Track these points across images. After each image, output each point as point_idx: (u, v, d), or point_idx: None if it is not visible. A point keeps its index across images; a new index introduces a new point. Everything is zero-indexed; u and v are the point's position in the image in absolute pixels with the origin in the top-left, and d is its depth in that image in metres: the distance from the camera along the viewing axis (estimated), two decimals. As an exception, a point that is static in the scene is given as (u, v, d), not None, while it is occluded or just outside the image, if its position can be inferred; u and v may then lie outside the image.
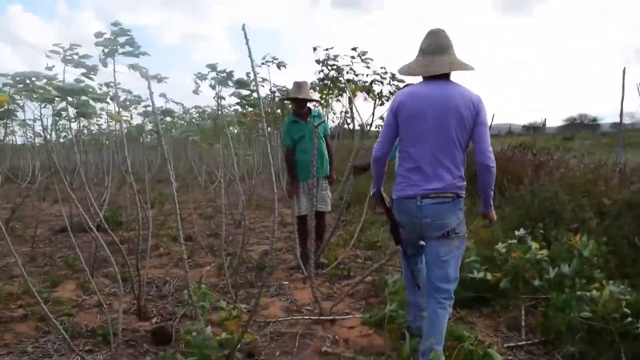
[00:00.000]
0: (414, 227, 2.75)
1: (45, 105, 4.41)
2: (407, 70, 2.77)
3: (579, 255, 3.61)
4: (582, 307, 3.00)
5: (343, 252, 5.12)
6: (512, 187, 6.46)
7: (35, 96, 3.93)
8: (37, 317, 3.73)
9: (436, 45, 2.67)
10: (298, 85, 4.99)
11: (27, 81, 3.81)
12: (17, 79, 3.64)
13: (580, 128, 42.15)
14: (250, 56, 3.02)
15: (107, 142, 13.62)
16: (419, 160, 2.65)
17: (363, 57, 5.97)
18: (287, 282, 4.56)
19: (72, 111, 4.28)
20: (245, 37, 2.95)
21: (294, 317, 3.59)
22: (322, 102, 7.65)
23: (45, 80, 3.78)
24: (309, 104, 5.09)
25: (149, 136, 10.12)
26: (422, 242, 2.84)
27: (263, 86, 7.05)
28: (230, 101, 7.73)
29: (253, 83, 4.50)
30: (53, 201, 9.26)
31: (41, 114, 4.77)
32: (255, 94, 4.14)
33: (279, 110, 8.63)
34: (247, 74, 4.81)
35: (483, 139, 2.63)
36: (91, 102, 3.98)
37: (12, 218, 6.99)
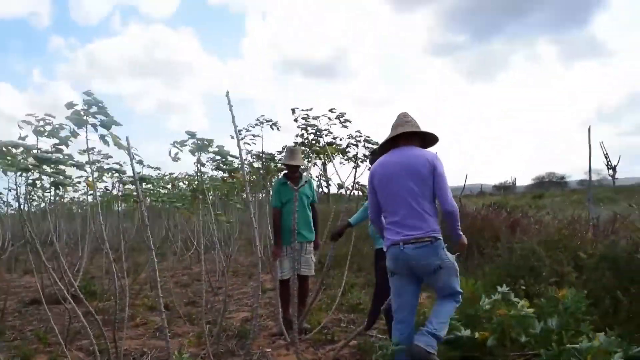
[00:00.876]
0: (402, 270, 3.18)
1: (21, 174, 4.35)
2: (382, 144, 3.46)
3: (563, 309, 3.61)
4: (571, 361, 2.97)
5: (326, 317, 5.04)
6: (489, 245, 6.54)
7: (11, 167, 3.90)
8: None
9: (403, 120, 3.35)
10: (291, 152, 5.08)
11: (4, 149, 3.80)
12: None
13: (549, 186, 43.17)
14: (233, 121, 3.11)
15: (79, 210, 13.45)
16: (397, 215, 3.16)
17: (342, 119, 6.08)
18: (269, 350, 4.42)
19: (47, 180, 4.25)
20: (229, 102, 3.03)
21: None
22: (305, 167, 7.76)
23: (21, 149, 3.77)
24: (301, 170, 5.20)
25: (123, 204, 10.03)
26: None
27: (252, 146, 7.02)
28: (207, 169, 7.70)
29: (230, 152, 4.56)
30: (23, 272, 8.97)
31: (16, 183, 4.68)
32: (237, 160, 4.17)
33: (254, 177, 8.64)
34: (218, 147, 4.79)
35: (443, 189, 3.14)
36: (68, 170, 3.97)
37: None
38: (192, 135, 4.39)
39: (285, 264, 4.93)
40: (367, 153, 7.17)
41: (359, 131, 6.94)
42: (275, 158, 7.14)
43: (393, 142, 3.35)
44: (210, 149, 4.44)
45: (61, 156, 3.86)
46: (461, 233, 3.32)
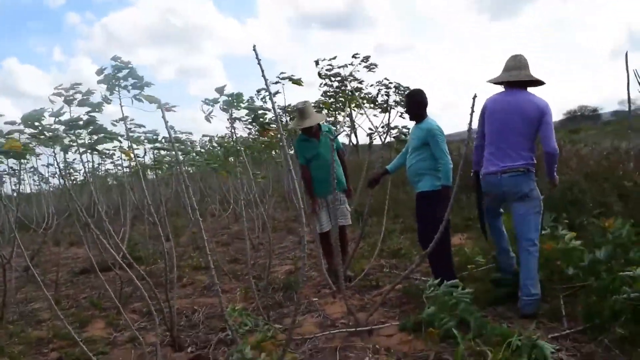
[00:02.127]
0: (495, 195, 3.73)
1: (54, 146, 4.36)
2: (493, 79, 3.76)
3: (612, 239, 3.56)
4: (624, 289, 2.94)
5: (368, 264, 5.08)
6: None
7: (44, 137, 3.93)
8: (71, 359, 3.70)
9: (517, 63, 3.67)
10: (301, 112, 4.83)
11: (36, 123, 3.81)
12: (27, 122, 3.64)
13: (582, 120, 42.02)
14: (263, 75, 3.02)
15: (114, 182, 13.72)
16: (499, 147, 3.62)
17: (367, 63, 5.93)
18: (316, 299, 4.51)
19: (86, 139, 4.26)
20: (257, 57, 2.96)
21: (331, 332, 3.53)
22: (328, 117, 7.61)
23: (53, 119, 3.77)
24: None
25: (158, 171, 10.18)
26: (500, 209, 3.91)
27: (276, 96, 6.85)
28: (240, 126, 7.67)
29: (262, 104, 4.51)
30: (69, 244, 9.27)
31: (55, 159, 4.71)
32: (270, 113, 4.12)
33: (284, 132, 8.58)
34: (251, 98, 4.71)
35: (547, 134, 3.52)
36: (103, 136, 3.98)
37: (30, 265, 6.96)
38: (220, 91, 4.32)
39: (323, 217, 4.94)
40: (397, 99, 7.03)
41: (386, 78, 6.79)
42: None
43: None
44: (242, 105, 4.39)
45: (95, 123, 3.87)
46: (556, 174, 3.77)
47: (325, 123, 5.19)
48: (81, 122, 3.70)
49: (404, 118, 5.68)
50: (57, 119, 3.76)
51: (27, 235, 9.02)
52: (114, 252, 3.96)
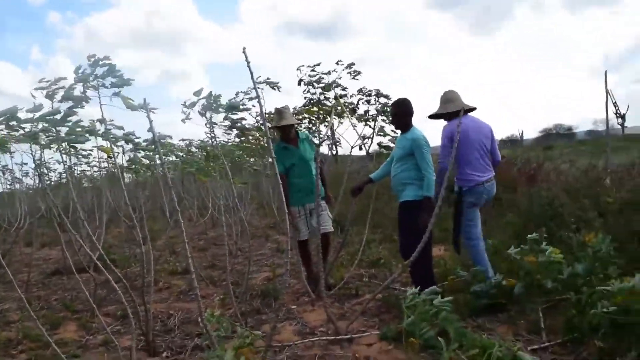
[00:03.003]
0: (480, 202, 4.21)
1: (31, 143, 4.23)
2: (451, 109, 4.18)
3: (591, 254, 3.59)
4: (603, 303, 2.96)
5: (348, 272, 5.05)
6: (506, 196, 6.51)
7: (20, 133, 3.81)
8: (41, 361, 3.59)
9: (457, 95, 4.28)
10: (279, 112, 4.85)
11: (12, 122, 3.69)
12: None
13: (557, 138, 42.87)
14: (252, 77, 3.00)
15: (89, 185, 13.48)
16: (475, 163, 4.12)
17: (351, 70, 5.89)
18: (294, 306, 4.47)
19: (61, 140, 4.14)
20: (247, 59, 2.94)
21: (311, 340, 3.49)
22: (310, 124, 7.55)
23: (30, 115, 3.66)
24: (296, 127, 4.98)
25: (132, 175, 10.03)
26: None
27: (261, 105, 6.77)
28: (219, 133, 7.58)
29: (243, 105, 4.45)
30: (40, 245, 9.06)
31: (32, 152, 4.60)
32: (250, 117, 4.07)
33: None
34: (231, 100, 4.61)
35: (495, 149, 4.36)
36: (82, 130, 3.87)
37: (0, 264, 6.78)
38: (198, 94, 4.24)
39: (302, 225, 4.87)
40: (377, 108, 6.99)
41: (365, 87, 6.75)
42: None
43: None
44: (221, 108, 4.32)
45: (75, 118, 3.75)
46: None
47: (301, 130, 5.18)
48: (59, 117, 3.60)
49: (383, 130, 5.65)
50: (35, 115, 3.65)
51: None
52: (90, 253, 3.86)
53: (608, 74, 6.88)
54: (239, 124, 4.81)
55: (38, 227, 9.25)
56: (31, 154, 4.34)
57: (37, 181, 8.49)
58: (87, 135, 4.00)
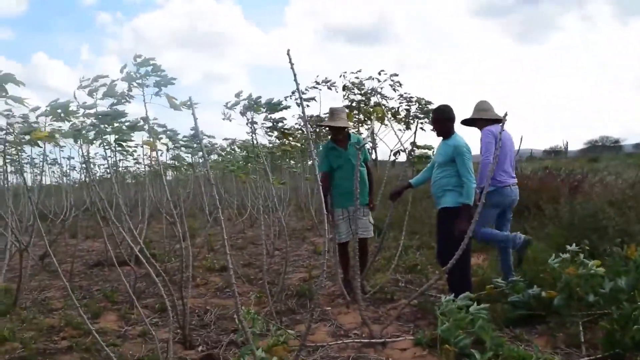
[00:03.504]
0: (505, 205, 4.40)
1: (79, 139, 4.39)
2: (486, 116, 4.49)
3: (634, 268, 3.49)
4: (647, 320, 2.88)
5: (384, 277, 5.04)
6: (548, 207, 6.37)
7: (71, 129, 3.96)
8: (81, 348, 3.70)
9: (488, 106, 4.57)
10: (333, 112, 4.86)
11: (63, 114, 3.84)
12: (53, 109, 3.65)
13: (602, 150, 41.62)
14: (295, 79, 3.01)
15: (132, 181, 13.84)
16: (506, 168, 4.39)
17: (393, 80, 5.93)
18: (329, 308, 4.48)
19: (110, 137, 4.28)
20: (290, 61, 2.96)
21: (344, 341, 3.50)
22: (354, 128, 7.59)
23: (81, 111, 3.79)
24: (348, 130, 4.98)
25: (176, 172, 10.26)
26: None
27: (309, 105, 6.79)
28: (260, 133, 7.66)
29: (284, 104, 4.48)
30: (85, 237, 9.34)
31: (81, 146, 4.75)
32: (292, 118, 4.11)
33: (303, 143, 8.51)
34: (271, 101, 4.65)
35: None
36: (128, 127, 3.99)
37: (46, 254, 7.04)
38: (238, 95, 4.32)
39: (343, 227, 4.87)
40: (419, 114, 6.99)
41: (407, 92, 6.78)
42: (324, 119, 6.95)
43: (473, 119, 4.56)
44: (262, 108, 4.39)
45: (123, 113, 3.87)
46: None
47: (354, 133, 5.18)
48: (107, 116, 3.72)
49: (424, 130, 5.60)
50: (85, 112, 3.78)
51: (45, 225, 9.12)
52: (132, 245, 3.96)
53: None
54: (279, 124, 4.89)
55: (82, 219, 9.57)
56: (79, 147, 4.48)
57: (83, 175, 8.76)
58: (131, 131, 4.14)
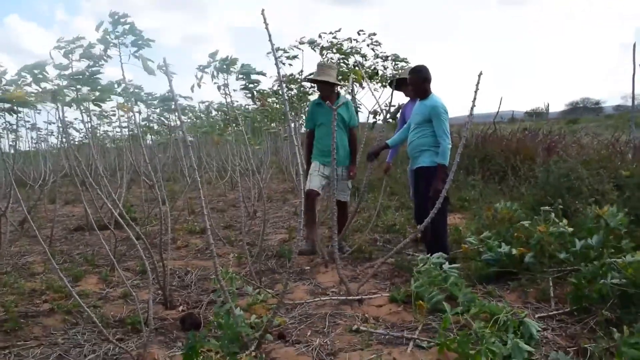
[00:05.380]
0: None
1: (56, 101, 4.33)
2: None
3: (604, 227, 3.59)
4: (613, 275, 2.98)
5: (363, 237, 5.12)
6: (524, 167, 6.47)
7: (47, 90, 3.90)
8: (63, 311, 3.73)
9: None
10: (320, 66, 4.72)
11: (36, 71, 3.77)
12: (27, 71, 3.58)
13: (583, 112, 41.98)
14: (270, 39, 2.99)
15: (112, 145, 13.70)
16: None
17: (372, 39, 5.86)
18: (308, 267, 4.56)
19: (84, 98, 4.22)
20: (265, 21, 2.93)
21: (322, 299, 3.57)
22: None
23: (57, 72, 3.73)
24: (338, 90, 4.86)
25: (152, 136, 10.16)
26: None
27: (291, 64, 6.64)
28: (239, 95, 7.60)
29: (257, 69, 4.41)
30: (64, 202, 9.28)
31: (57, 109, 4.66)
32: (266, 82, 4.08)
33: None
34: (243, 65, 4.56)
35: None
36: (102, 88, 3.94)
37: (26, 220, 7.00)
38: (213, 57, 4.20)
39: (315, 179, 4.76)
40: (393, 72, 6.94)
41: (383, 52, 6.71)
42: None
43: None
44: (234, 69, 4.30)
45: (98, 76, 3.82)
46: None
47: (343, 93, 5.10)
48: (83, 77, 3.66)
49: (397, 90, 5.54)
50: (60, 73, 3.73)
51: (23, 191, 9.03)
52: (112, 209, 3.96)
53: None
54: (253, 88, 4.84)
55: (61, 185, 9.49)
56: (56, 109, 4.42)
57: (61, 140, 8.65)
58: (109, 93, 4.08)
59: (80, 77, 3.70)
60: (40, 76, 3.66)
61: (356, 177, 5.11)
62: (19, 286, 4.33)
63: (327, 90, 4.76)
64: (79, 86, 3.84)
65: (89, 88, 3.85)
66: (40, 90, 4.07)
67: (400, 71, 6.04)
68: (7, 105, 3.68)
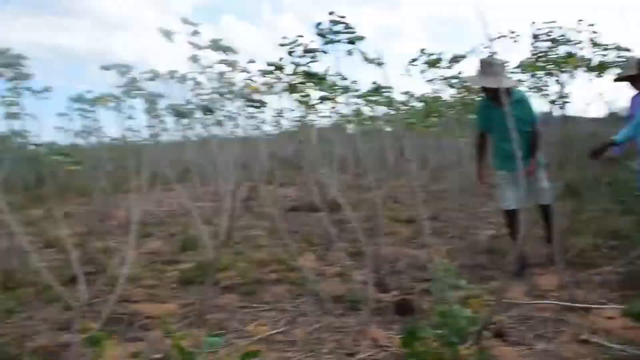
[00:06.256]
0: None
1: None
2: None
3: None
4: None
5: (581, 241, 4.72)
6: None
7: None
8: (288, 282, 4.14)
9: None
10: (484, 66, 4.14)
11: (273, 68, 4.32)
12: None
13: None
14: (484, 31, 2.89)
15: (317, 135, 14.56)
16: None
17: (592, 30, 5.38)
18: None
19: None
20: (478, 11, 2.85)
21: (544, 302, 3.40)
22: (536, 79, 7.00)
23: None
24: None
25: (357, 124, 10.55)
26: None
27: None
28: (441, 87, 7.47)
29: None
30: (278, 185, 10.18)
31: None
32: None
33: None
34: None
35: None
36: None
37: (250, 197, 7.86)
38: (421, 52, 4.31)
39: (508, 193, 4.34)
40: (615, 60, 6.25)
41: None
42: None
43: None
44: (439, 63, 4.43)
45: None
46: None
47: (518, 90, 4.55)
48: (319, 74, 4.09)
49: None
50: (295, 69, 4.22)
51: (245, 174, 10.11)
52: (331, 193, 4.26)
53: None
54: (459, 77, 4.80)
55: (277, 169, 10.43)
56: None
57: (276, 128, 9.53)
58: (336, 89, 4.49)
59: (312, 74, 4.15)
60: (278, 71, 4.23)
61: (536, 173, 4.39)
62: (248, 256, 4.89)
63: (493, 89, 4.09)
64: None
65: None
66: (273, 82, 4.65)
67: (625, 62, 5.41)
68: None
